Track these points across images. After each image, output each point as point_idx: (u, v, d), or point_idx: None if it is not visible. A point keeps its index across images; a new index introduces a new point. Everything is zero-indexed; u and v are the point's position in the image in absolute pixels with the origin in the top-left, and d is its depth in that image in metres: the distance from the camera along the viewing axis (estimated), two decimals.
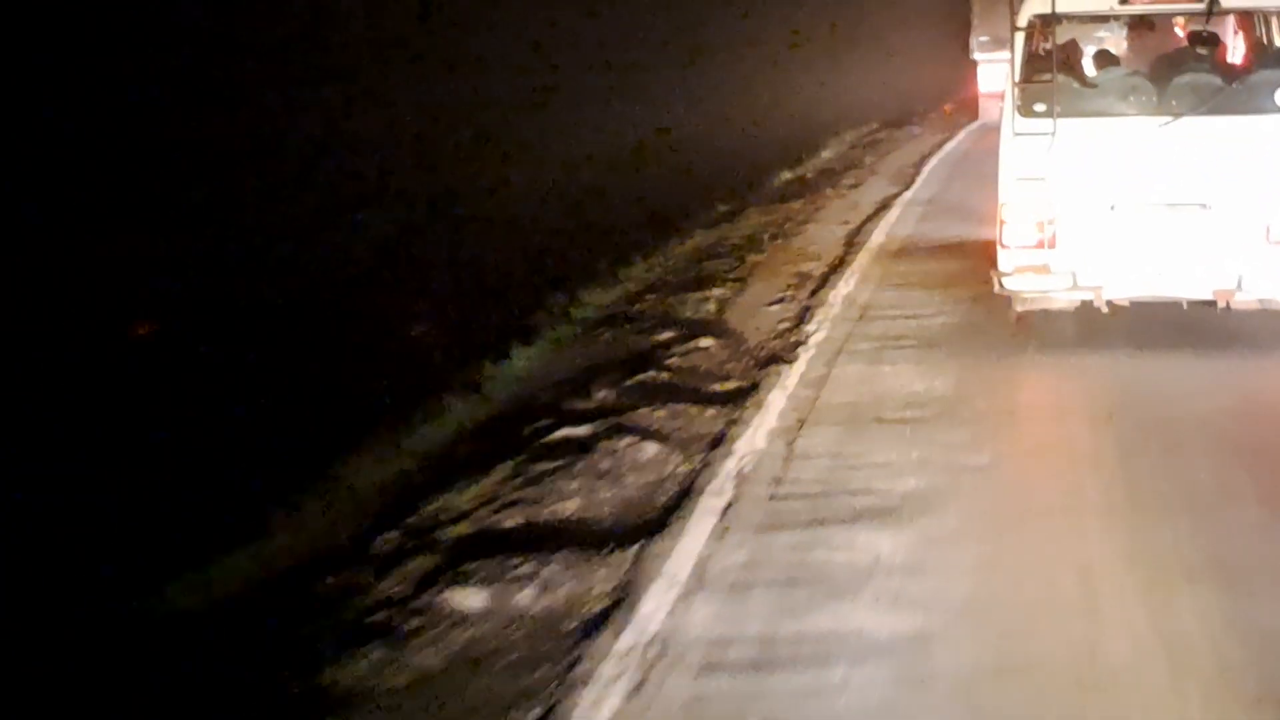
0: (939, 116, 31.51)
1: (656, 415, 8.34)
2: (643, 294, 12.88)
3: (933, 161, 22.38)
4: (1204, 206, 8.75)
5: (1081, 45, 10.87)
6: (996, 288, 9.36)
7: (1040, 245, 8.94)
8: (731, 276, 13.30)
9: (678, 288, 12.89)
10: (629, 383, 9.27)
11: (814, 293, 12.21)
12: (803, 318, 11.21)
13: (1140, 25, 10.60)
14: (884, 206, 17.15)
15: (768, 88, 23.25)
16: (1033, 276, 9.07)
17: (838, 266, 13.35)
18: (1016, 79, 9.04)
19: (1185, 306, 9.22)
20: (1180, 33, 10.94)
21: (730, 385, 9.23)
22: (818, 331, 10.63)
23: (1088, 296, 9.08)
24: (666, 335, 10.78)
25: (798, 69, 25.28)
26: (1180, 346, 9.37)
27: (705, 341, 10.41)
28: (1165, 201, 8.83)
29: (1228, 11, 9.69)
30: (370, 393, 8.98)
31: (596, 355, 10.48)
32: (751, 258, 14.27)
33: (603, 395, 9.03)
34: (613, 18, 16.88)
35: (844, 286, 12.32)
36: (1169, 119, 8.83)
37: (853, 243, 14.67)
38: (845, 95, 28.35)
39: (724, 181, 18.72)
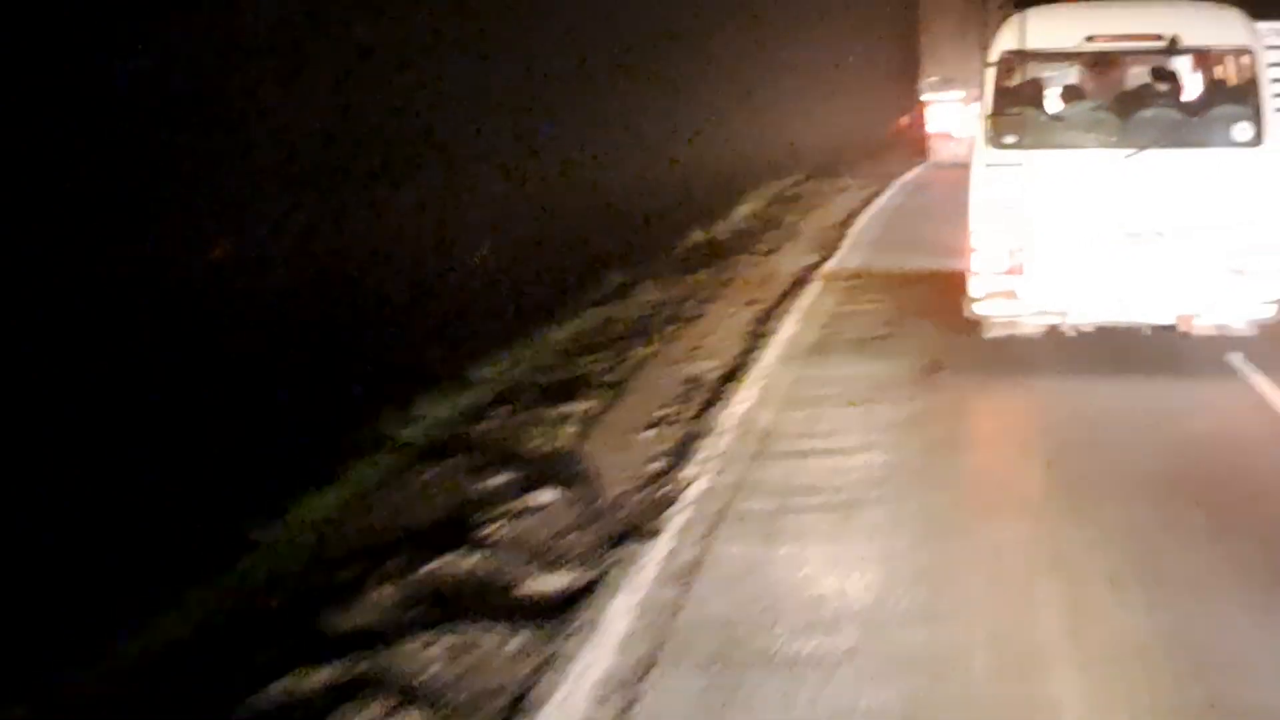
0: (873, 165, 29.32)
1: (431, 653, 5.53)
2: (493, 406, 10.10)
3: (861, 220, 19.86)
4: (1165, 235, 9.21)
5: (1050, 81, 11.26)
6: (966, 313, 9.72)
7: (1009, 272, 9.36)
8: (607, 380, 10.58)
9: (538, 397, 10.14)
10: (423, 571, 6.49)
11: (703, 409, 9.48)
12: (683, 452, 8.47)
13: (1105, 62, 10.81)
14: (801, 281, 14.49)
15: (692, 134, 20.64)
16: (1002, 301, 9.47)
17: (738, 369, 10.63)
18: (988, 112, 9.54)
19: (1149, 332, 9.62)
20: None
21: (560, 582, 6.42)
22: (698, 478, 7.88)
23: (1054, 321, 9.52)
24: (501, 479, 8.04)
25: (728, 112, 22.66)
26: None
27: (546, 494, 7.64)
28: (1128, 231, 9.26)
29: (1188, 50, 9.95)
30: None
31: (400, 513, 7.70)
32: (637, 352, 11.55)
33: (378, 597, 6.24)
34: (515, 58, 14.20)
35: (742, 401, 9.60)
36: (1132, 151, 9.31)
37: (760, 333, 11.96)
38: (774, 140, 26.03)
39: (626, 243, 16.11)
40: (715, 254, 16.94)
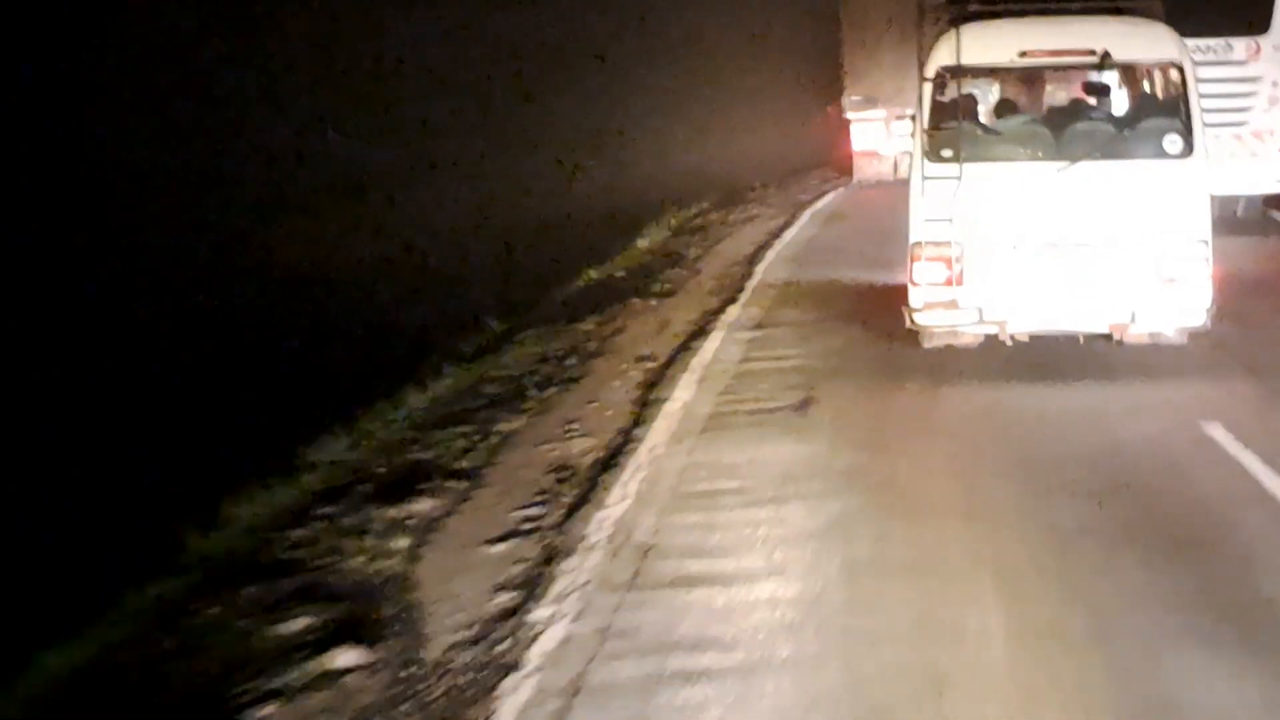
0: (785, 189, 27.46)
1: None
2: (318, 504, 8.20)
3: (769, 255, 17.92)
4: (1099, 246, 9.52)
5: (984, 96, 11.47)
6: (908, 323, 9.98)
7: (948, 282, 9.64)
8: (461, 466, 8.73)
9: (373, 493, 8.26)
10: None
11: (570, 512, 7.62)
12: (538, 579, 6.61)
13: (1038, 77, 11.31)
14: (700, 331, 12.65)
15: (599, 161, 19.00)
16: (942, 312, 9.74)
17: (618, 451, 8.77)
18: (925, 126, 9.76)
19: (1082, 340, 10.10)
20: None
21: None
22: (552, 624, 6.02)
23: (992, 330, 9.85)
24: (298, 625, 6.20)
25: (634, 136, 21.04)
26: None
27: (348, 655, 5.78)
28: (1063, 241, 9.56)
29: (1117, 65, 10.21)
30: None
31: (149, 682, 5.76)
32: (503, 425, 9.69)
33: None
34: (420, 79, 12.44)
35: (619, 500, 7.73)
36: (1065, 164, 9.63)
37: (649, 400, 10.10)
38: (680, 165, 24.31)
39: (511, 282, 14.29)
40: (607, 297, 14.99)
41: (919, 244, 9.73)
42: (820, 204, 24.63)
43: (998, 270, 9.65)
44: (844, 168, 27.55)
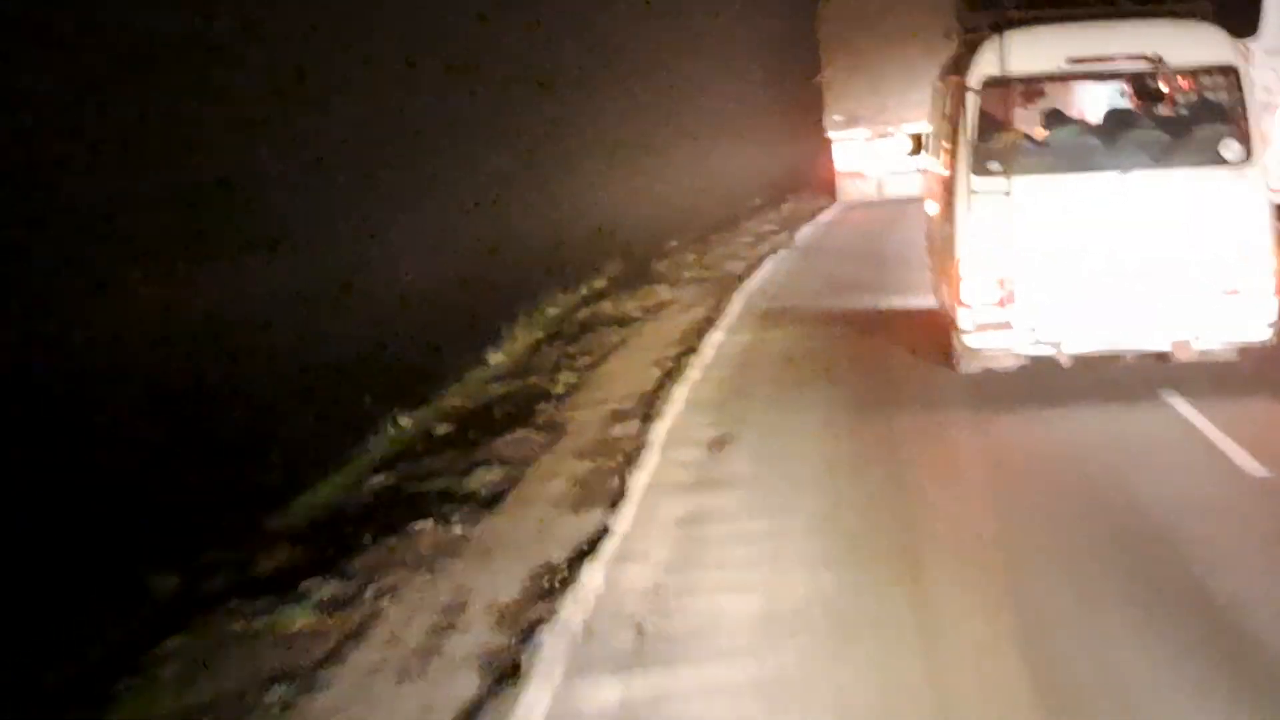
0: (729, 243, 22.25)
1: None
2: None
3: (693, 377, 11.49)
4: (1157, 258, 9.13)
5: (1032, 103, 11.26)
6: (958, 347, 9.71)
7: (1000, 302, 9.26)
8: None
9: None
10: None
11: None
12: None
13: (1088, 83, 11.10)
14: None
15: (514, 202, 16.17)
16: (994, 334, 9.38)
17: None
18: (971, 138, 9.37)
19: (1129, 360, 9.66)
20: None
21: None
22: None
23: (1049, 352, 9.45)
24: None
25: (555, 175, 18.05)
26: None
27: None
28: (1120, 255, 9.17)
29: (1172, 70, 9.68)
30: None
31: None
32: None
33: None
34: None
35: None
36: (1119, 173, 9.28)
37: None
38: (616, 207, 20.40)
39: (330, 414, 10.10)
40: (384, 513, 8.45)
41: (966, 261, 9.33)
42: (786, 251, 20.31)
43: (1052, 288, 9.25)
44: (827, 189, 27.00)
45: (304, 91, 11.08)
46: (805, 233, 22.74)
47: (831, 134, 26.06)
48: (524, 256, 15.65)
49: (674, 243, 21.41)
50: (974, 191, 9.27)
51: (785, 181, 29.57)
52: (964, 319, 9.40)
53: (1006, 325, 9.29)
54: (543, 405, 10.83)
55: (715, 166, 26.81)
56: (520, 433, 9.95)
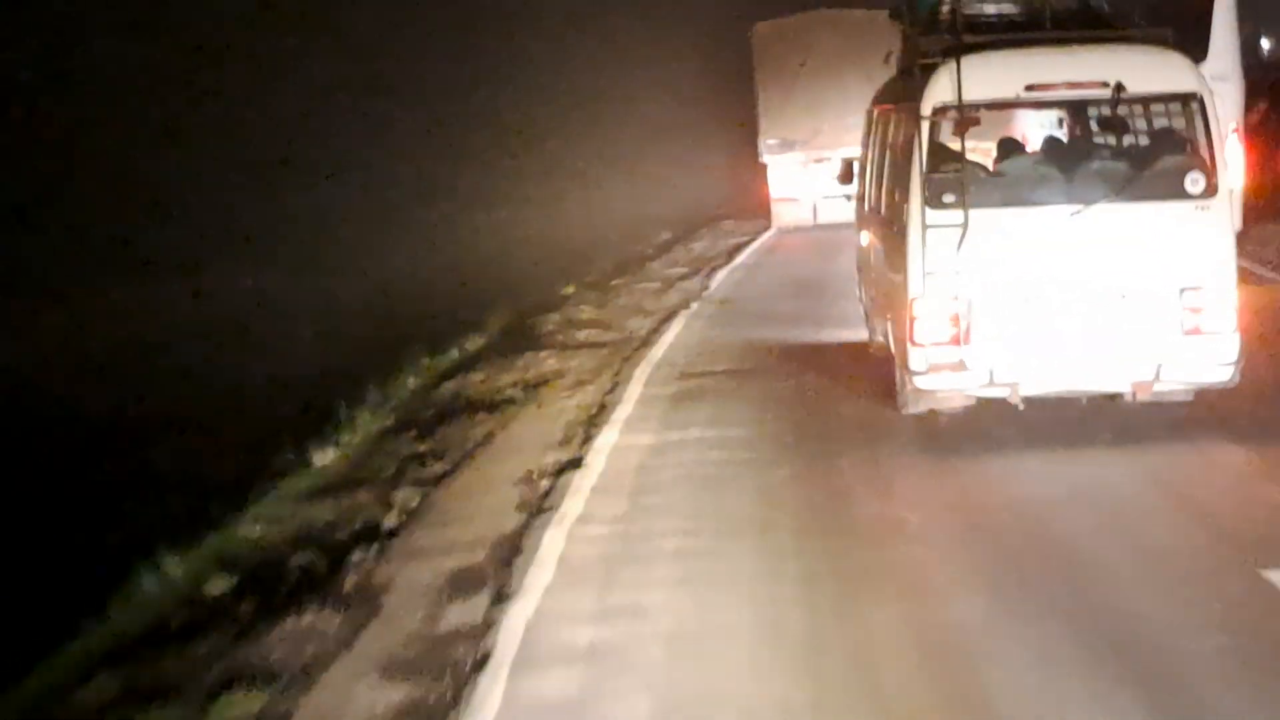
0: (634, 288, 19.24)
1: None
2: None
3: (571, 512, 8.29)
4: (1119, 296, 8.86)
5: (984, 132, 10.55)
6: (908, 389, 9.27)
7: (955, 341, 8.91)
8: None
9: None
10: None
11: None
12: None
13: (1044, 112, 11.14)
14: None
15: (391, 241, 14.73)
16: (948, 375, 9.00)
17: None
18: (923, 169, 8.97)
19: (1084, 402, 9.34)
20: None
21: None
22: None
23: (1003, 393, 9.08)
24: None
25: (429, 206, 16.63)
26: None
27: None
28: (1079, 292, 8.88)
29: (1133, 99, 9.40)
30: None
31: None
32: None
33: None
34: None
35: None
36: (1080, 207, 8.92)
37: None
38: (511, 246, 18.89)
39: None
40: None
41: (920, 299, 8.93)
42: (669, 336, 14.80)
43: (1008, 326, 8.90)
44: (760, 212, 26.75)
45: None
46: (722, 276, 20.15)
47: (766, 158, 25.83)
48: (393, 306, 13.71)
49: (571, 288, 18.51)
50: (927, 225, 8.87)
51: (719, 206, 29.06)
52: (915, 359, 8.99)
53: (960, 365, 8.91)
54: (359, 553, 7.90)
55: (639, 193, 26.11)
56: (310, 615, 6.94)
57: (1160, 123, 9.94)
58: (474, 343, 15.01)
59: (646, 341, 14.29)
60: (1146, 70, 9.12)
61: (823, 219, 24.33)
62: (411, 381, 13.19)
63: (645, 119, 27.86)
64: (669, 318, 15.92)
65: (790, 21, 26.16)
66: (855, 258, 12.83)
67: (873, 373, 10.92)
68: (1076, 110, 10.68)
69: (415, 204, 15.93)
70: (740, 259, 22.59)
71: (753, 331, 14.67)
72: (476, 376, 12.99)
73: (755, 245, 24.43)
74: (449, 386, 12.83)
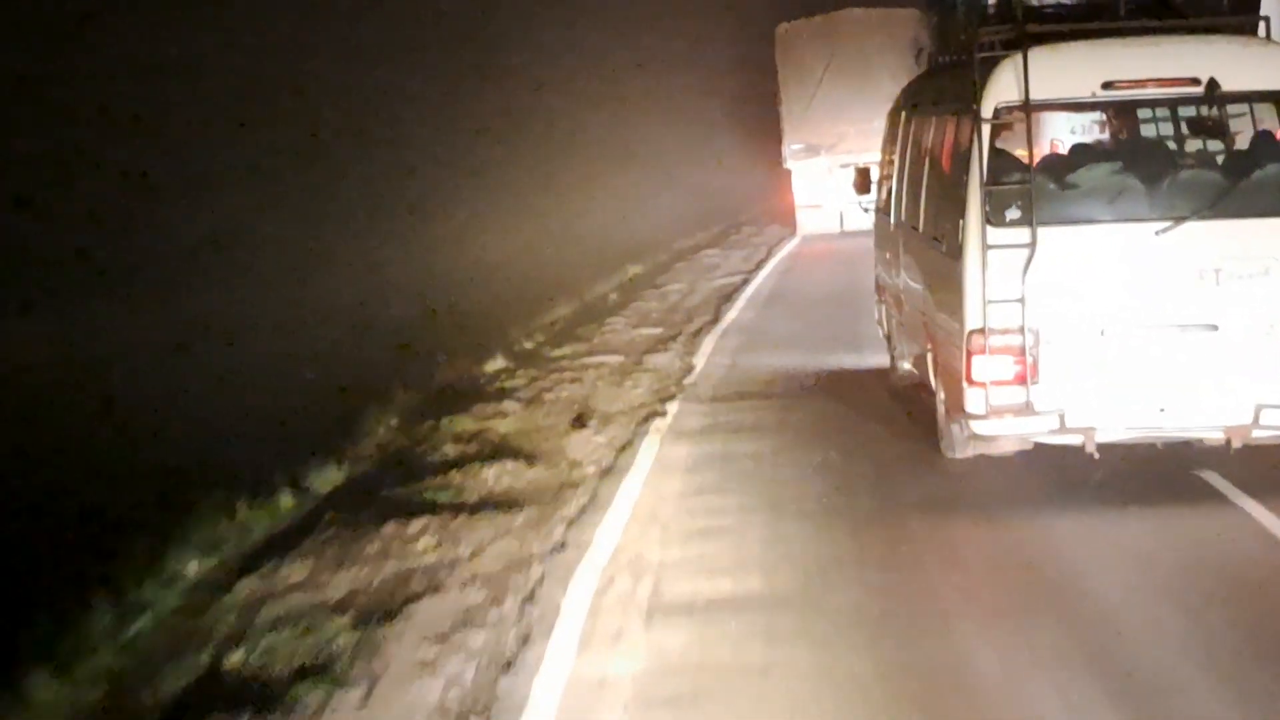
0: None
1: None
2: None
3: None
4: (1213, 328, 7.75)
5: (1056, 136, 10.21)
6: (964, 433, 8.17)
7: (1020, 380, 7.79)
8: None
9: None
10: None
11: None
12: None
13: (1127, 113, 9.32)
14: None
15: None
16: (1011, 420, 7.82)
17: None
18: (983, 181, 7.80)
19: (1160, 446, 8.11)
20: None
21: None
22: None
23: (1076, 440, 7.90)
24: None
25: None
26: None
27: None
28: (1167, 323, 7.79)
29: (1230, 98, 8.08)
30: None
31: None
32: None
33: None
34: None
35: None
36: (1168, 224, 7.78)
37: None
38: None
39: None
40: None
41: (980, 332, 7.81)
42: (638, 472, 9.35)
43: (1083, 363, 7.83)
44: (784, 220, 26.31)
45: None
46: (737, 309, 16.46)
47: (790, 164, 25.29)
48: (264, 391, 9.60)
49: (497, 363, 13.27)
50: (989, 246, 7.74)
51: (739, 211, 28.10)
52: (973, 401, 7.84)
53: (1027, 408, 7.79)
54: None
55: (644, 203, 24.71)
56: None
57: (1261, 125, 8.66)
58: (327, 479, 9.43)
59: (595, 500, 8.53)
60: (1243, 64, 7.97)
61: (850, 226, 23.69)
62: (280, 506, 8.54)
63: (664, 126, 26.76)
64: (647, 419, 10.64)
65: (814, 22, 25.69)
66: (874, 276, 11.73)
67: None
68: (1163, 111, 9.40)
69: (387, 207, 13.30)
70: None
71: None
72: (291, 576, 7.33)
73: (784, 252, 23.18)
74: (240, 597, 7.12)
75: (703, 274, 20.82)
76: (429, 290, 12.37)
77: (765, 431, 10.06)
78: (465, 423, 10.46)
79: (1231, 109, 8.60)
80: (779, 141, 25.53)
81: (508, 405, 11.09)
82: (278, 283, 10.87)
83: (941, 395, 8.66)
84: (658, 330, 15.26)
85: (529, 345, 14.26)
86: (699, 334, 14.87)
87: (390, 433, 10.62)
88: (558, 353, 13.83)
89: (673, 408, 10.92)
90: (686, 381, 12.07)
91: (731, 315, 16.44)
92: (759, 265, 22.36)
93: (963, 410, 7.97)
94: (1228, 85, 7.87)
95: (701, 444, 9.81)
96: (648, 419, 10.52)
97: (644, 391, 11.62)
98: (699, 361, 13.14)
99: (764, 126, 26.99)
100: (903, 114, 10.49)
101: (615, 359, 13.30)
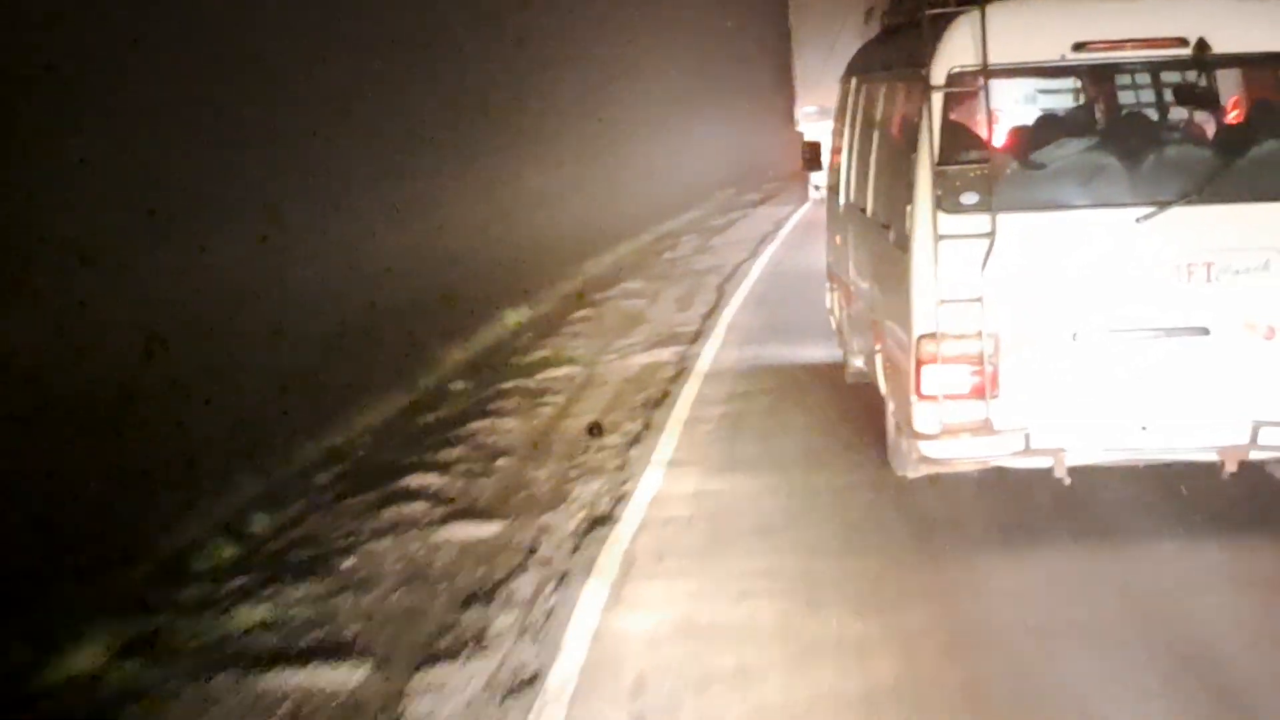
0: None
1: None
2: None
3: None
4: (1203, 331, 6.88)
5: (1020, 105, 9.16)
6: (903, 448, 7.35)
7: (978, 393, 6.87)
8: None
9: None
10: None
11: None
12: None
13: (1103, 80, 8.30)
14: None
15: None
16: (968, 440, 6.90)
17: None
18: (934, 160, 6.88)
19: (1141, 466, 7.34)
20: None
21: None
22: None
23: (1044, 463, 7.03)
24: None
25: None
26: None
27: None
28: (1149, 326, 6.90)
29: (1224, 62, 7.26)
30: None
31: None
32: None
33: None
34: None
35: None
36: (1150, 210, 6.86)
37: None
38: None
39: None
40: None
41: (931, 337, 6.87)
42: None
43: (1051, 373, 6.90)
44: (795, 177, 25.71)
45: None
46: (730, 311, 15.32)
47: (803, 126, 24.64)
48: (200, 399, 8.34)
49: (460, 385, 12.13)
50: (941, 236, 6.83)
51: (747, 174, 27.36)
52: (922, 417, 6.91)
53: (986, 426, 6.86)
54: None
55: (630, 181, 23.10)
56: None
57: (1258, 95, 7.68)
58: (221, 553, 7.74)
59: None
60: (1237, 22, 7.02)
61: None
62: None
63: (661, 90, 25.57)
64: (633, 443, 9.35)
65: None
66: (825, 261, 10.98)
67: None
68: (1143, 77, 8.49)
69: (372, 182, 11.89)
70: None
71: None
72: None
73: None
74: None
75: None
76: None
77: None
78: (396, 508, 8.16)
79: (1224, 74, 7.75)
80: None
81: (445, 453, 9.30)
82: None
83: (891, 406, 7.72)
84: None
85: (495, 358, 13.17)
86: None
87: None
88: (527, 360, 12.78)
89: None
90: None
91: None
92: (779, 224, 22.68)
93: (911, 427, 7.01)
94: (1219, 47, 6.93)
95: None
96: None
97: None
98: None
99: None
100: (853, 81, 9.53)
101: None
